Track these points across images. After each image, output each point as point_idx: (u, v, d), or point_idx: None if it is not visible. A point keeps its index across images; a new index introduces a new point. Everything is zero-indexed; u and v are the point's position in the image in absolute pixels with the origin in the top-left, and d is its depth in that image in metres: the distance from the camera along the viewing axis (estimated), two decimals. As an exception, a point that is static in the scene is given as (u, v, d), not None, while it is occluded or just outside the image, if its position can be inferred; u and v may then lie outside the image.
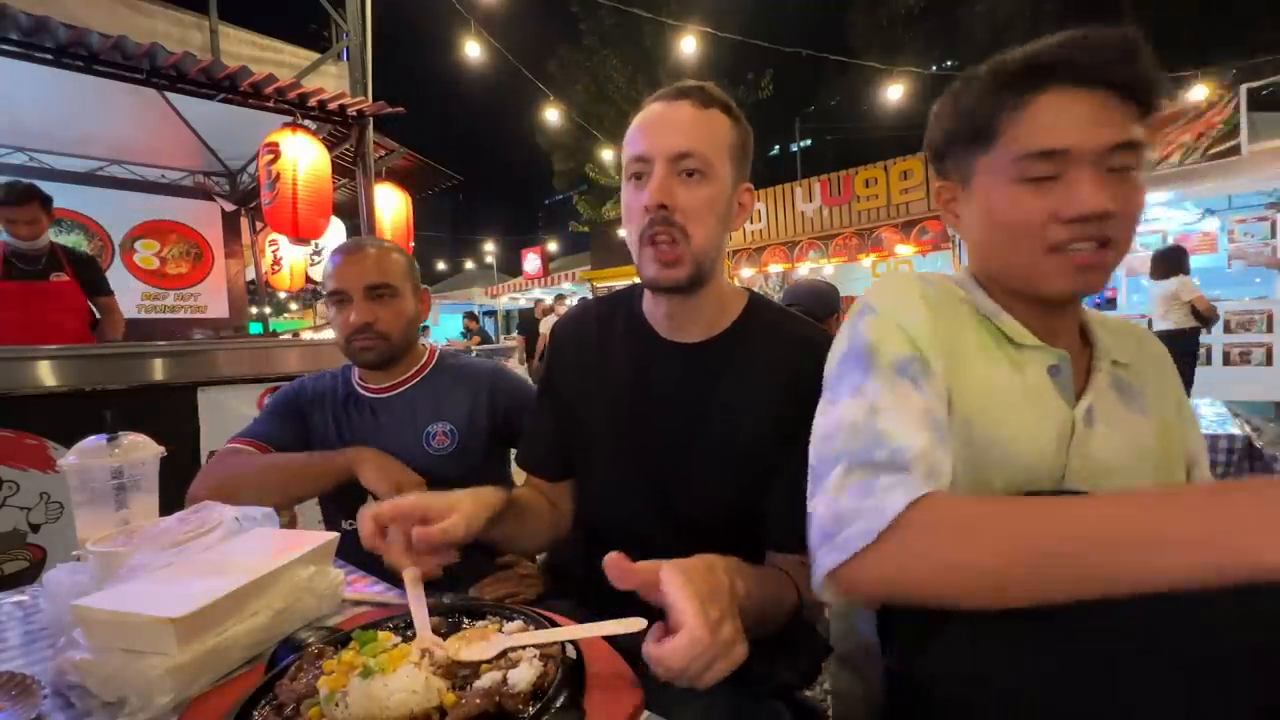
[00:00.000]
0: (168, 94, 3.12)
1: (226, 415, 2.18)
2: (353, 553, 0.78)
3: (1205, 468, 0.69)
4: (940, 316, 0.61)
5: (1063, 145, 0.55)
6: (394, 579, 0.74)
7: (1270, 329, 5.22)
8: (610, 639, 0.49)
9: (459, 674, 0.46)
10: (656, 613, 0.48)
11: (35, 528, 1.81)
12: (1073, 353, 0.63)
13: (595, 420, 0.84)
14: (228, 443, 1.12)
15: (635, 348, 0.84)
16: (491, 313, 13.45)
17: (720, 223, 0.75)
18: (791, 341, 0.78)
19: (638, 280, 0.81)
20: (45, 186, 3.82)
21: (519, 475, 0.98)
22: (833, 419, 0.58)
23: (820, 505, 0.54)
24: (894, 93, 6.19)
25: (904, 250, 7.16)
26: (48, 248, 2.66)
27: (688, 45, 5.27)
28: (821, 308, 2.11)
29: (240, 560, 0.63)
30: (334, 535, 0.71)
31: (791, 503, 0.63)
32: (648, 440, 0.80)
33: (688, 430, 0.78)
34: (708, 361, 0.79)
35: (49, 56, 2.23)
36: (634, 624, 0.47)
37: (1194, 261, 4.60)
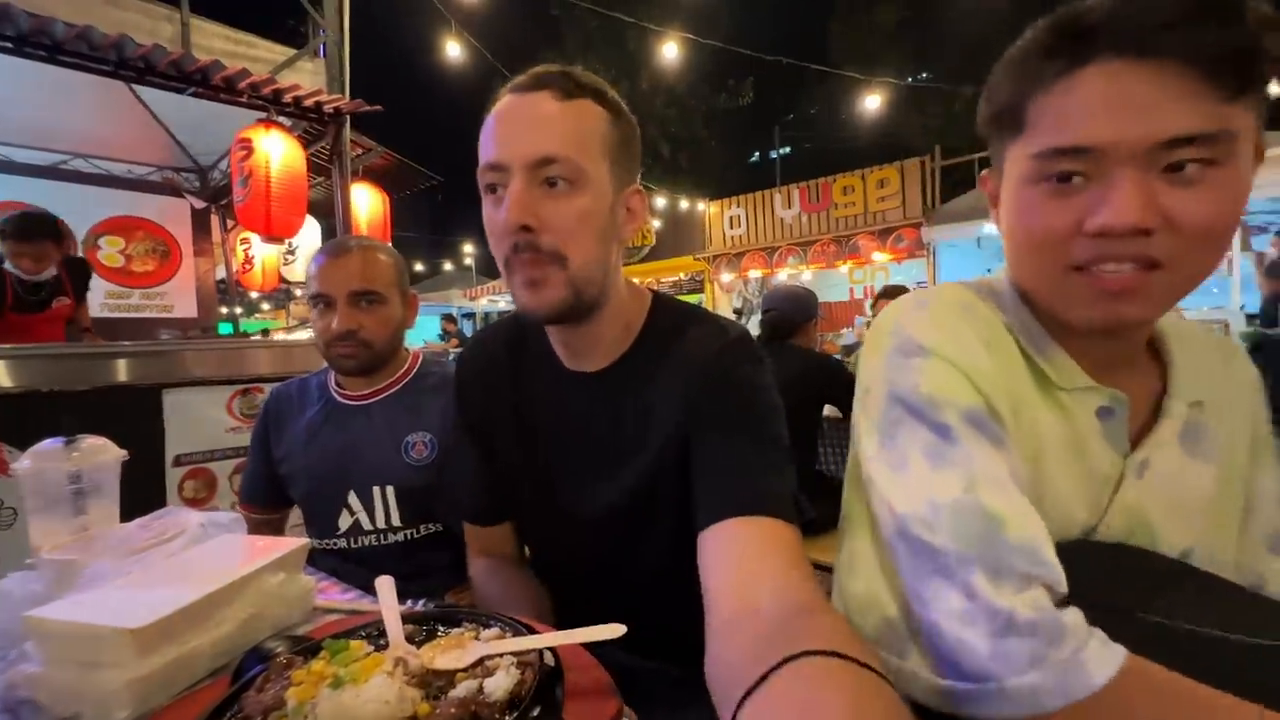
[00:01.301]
0: (136, 87, 3.02)
1: (193, 418, 2.12)
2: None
3: (1270, 513, 0.57)
4: (996, 354, 0.52)
5: (1090, 142, 0.43)
6: (366, 586, 0.73)
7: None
8: (589, 646, 0.48)
9: (434, 684, 0.44)
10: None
11: (-14, 534, 1.73)
12: (1138, 388, 0.53)
13: (514, 459, 0.76)
14: (239, 508, 1.16)
15: (543, 378, 0.74)
16: (470, 315, 13.32)
17: (601, 238, 0.62)
18: (692, 345, 0.68)
19: None
20: (4, 179, 3.70)
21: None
22: (920, 493, 0.48)
23: (957, 624, 0.44)
24: (872, 102, 6.31)
25: (880, 257, 7.29)
26: (54, 274, 2.61)
27: (669, 50, 5.29)
28: (799, 313, 2.15)
29: (205, 568, 0.61)
30: (305, 541, 0.69)
31: (721, 477, 0.59)
32: (566, 480, 0.73)
33: (604, 467, 0.70)
34: (610, 390, 0.70)
35: (9, 45, 2.15)
36: (614, 630, 0.46)
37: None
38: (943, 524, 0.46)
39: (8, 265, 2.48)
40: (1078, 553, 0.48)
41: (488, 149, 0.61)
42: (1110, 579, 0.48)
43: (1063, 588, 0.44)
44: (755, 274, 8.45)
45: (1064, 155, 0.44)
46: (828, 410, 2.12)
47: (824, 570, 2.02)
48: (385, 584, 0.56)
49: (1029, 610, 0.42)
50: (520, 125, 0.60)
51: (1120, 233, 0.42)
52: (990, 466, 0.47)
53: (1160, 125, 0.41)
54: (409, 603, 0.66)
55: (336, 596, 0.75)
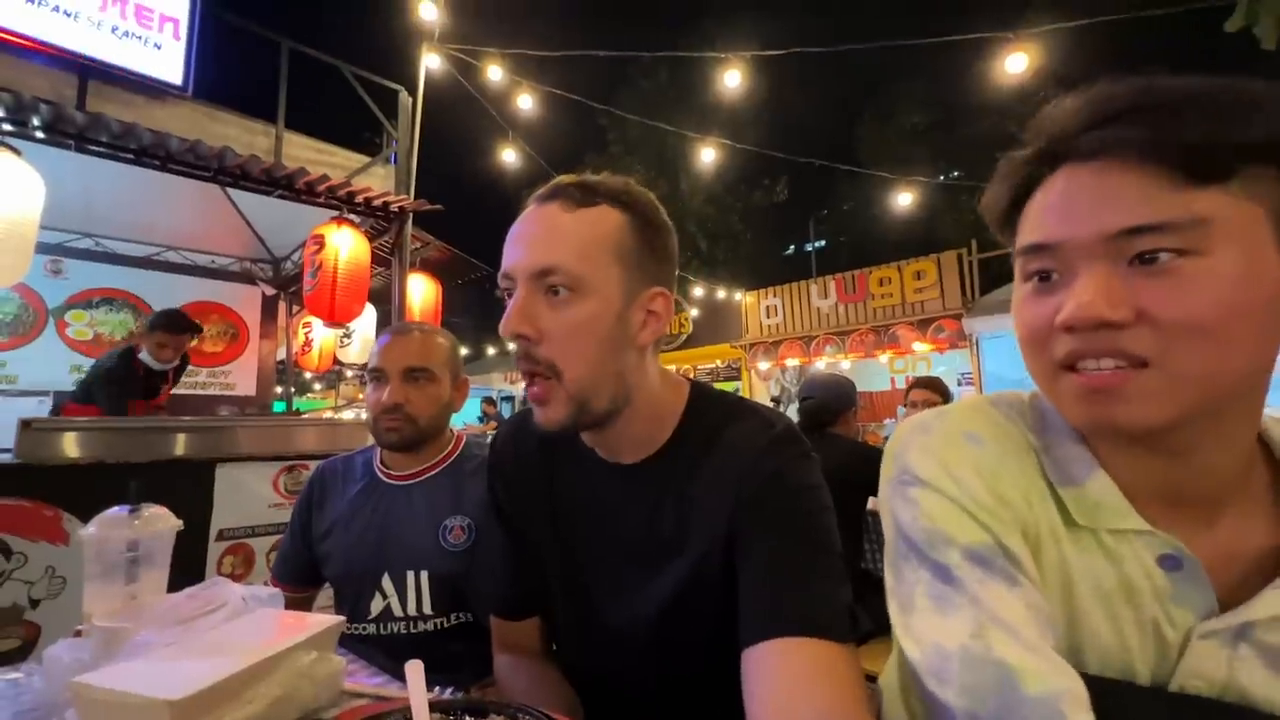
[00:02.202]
0: (229, 190, 3.40)
1: (241, 493, 2.19)
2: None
3: None
4: (1008, 484, 0.47)
5: (1047, 239, 0.43)
6: (395, 671, 0.71)
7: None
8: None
9: (458, 777, 0.43)
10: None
11: (35, 603, 1.77)
12: (1235, 530, 0.44)
13: (544, 550, 0.74)
14: (272, 583, 1.18)
15: (577, 469, 0.72)
16: (510, 398, 13.58)
17: (607, 346, 0.60)
18: (737, 438, 0.65)
19: None
20: (105, 269, 4.13)
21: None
22: (927, 639, 0.43)
23: None
24: (904, 199, 6.50)
25: (921, 348, 7.20)
26: (174, 365, 2.97)
27: (706, 154, 5.66)
28: (839, 401, 2.11)
29: (242, 641, 0.61)
30: (339, 619, 0.69)
31: (770, 589, 0.56)
32: (598, 576, 0.70)
33: (639, 566, 0.67)
34: (648, 484, 0.67)
35: (130, 156, 2.47)
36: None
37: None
38: (952, 676, 0.41)
39: (144, 355, 2.82)
40: (1134, 697, 0.42)
41: (504, 258, 0.62)
42: None
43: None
44: (792, 362, 8.43)
45: (1031, 253, 0.44)
46: (871, 503, 2.03)
47: (872, 679, 1.84)
48: (415, 669, 0.55)
49: None
50: (528, 236, 0.61)
51: (1084, 326, 0.40)
52: (1001, 609, 0.42)
53: (1111, 218, 0.40)
54: (437, 690, 0.64)
55: (365, 680, 0.73)
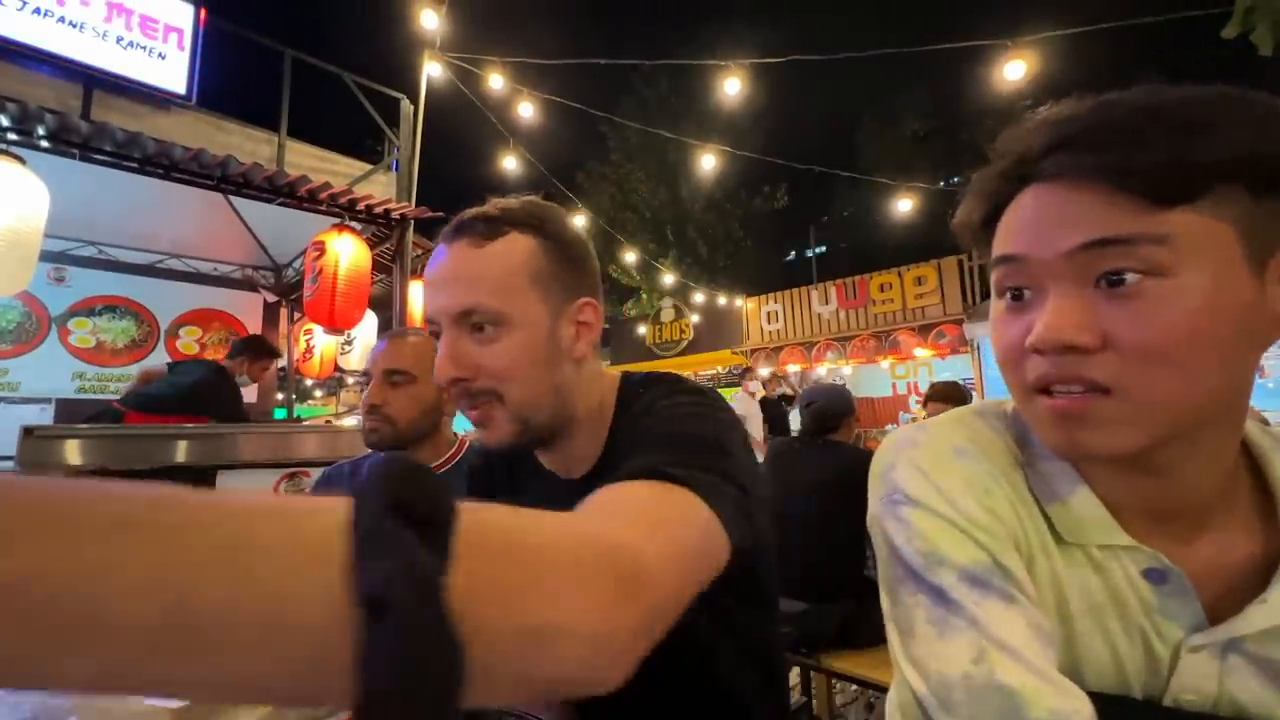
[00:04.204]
0: (232, 198, 3.42)
1: (242, 499, 2.18)
2: None
3: None
4: (998, 499, 0.46)
5: (1014, 250, 0.42)
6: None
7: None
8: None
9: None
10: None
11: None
12: (1213, 545, 0.44)
13: None
14: None
15: (540, 485, 0.73)
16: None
17: (542, 366, 0.61)
18: (658, 420, 0.60)
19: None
20: (108, 276, 4.14)
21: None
22: (930, 666, 0.42)
23: None
24: (904, 205, 6.52)
25: (922, 353, 7.20)
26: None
27: (706, 161, 5.68)
28: (840, 404, 2.16)
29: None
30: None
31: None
32: None
33: None
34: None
35: (134, 165, 2.49)
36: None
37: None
38: (957, 706, 0.40)
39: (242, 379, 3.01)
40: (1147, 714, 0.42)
41: (425, 302, 0.62)
42: None
43: None
44: (794, 368, 8.44)
45: (1003, 264, 0.43)
46: (873, 510, 2.02)
47: (874, 687, 1.84)
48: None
49: None
50: (441, 279, 0.61)
51: (1050, 349, 0.39)
52: (1001, 631, 0.41)
53: (1074, 232, 0.39)
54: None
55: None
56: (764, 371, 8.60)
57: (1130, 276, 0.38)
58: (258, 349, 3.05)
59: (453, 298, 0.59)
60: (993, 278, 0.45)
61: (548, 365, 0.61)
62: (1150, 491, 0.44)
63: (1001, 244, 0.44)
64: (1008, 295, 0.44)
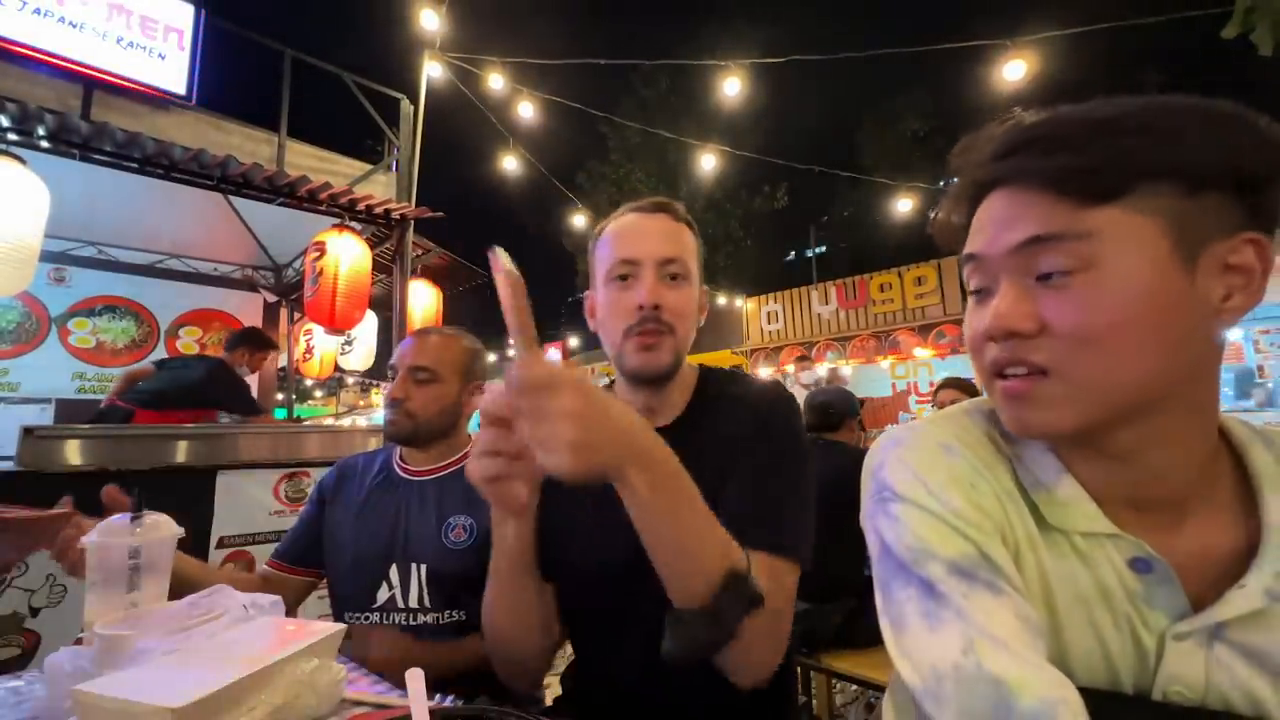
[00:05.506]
0: (232, 198, 3.42)
1: (242, 500, 2.18)
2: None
3: None
4: (984, 492, 0.48)
5: (975, 249, 0.47)
6: (396, 679, 0.71)
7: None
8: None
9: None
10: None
11: (35, 611, 1.77)
12: (1195, 534, 0.45)
13: (578, 509, 0.80)
14: (266, 563, 1.20)
15: None
16: (510, 404, 13.63)
17: (694, 320, 0.84)
18: (742, 395, 0.84)
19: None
20: (108, 276, 4.14)
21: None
22: (922, 659, 0.43)
23: None
24: (904, 205, 6.51)
25: (923, 353, 7.19)
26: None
27: (707, 161, 5.68)
28: (842, 403, 2.19)
29: (244, 649, 0.61)
30: (341, 627, 0.69)
31: (749, 502, 0.71)
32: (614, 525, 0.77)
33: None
34: (675, 441, 0.72)
35: (135, 165, 2.49)
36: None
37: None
38: (948, 697, 0.41)
39: (243, 370, 3.04)
40: (1136, 709, 0.43)
41: (622, 249, 0.81)
42: None
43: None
44: (792, 368, 8.43)
45: (966, 263, 0.48)
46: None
47: (874, 687, 1.84)
48: (416, 677, 0.55)
49: None
50: (650, 235, 0.81)
51: (998, 335, 0.44)
52: (989, 622, 0.42)
53: (1017, 231, 0.44)
54: (438, 698, 0.64)
55: (365, 688, 0.73)
56: (764, 372, 8.60)
57: (1060, 270, 0.42)
58: (256, 340, 3.04)
59: (662, 248, 0.81)
60: (963, 275, 0.50)
61: (695, 320, 0.85)
62: (1125, 479, 0.46)
63: (968, 244, 0.48)
64: (975, 293, 0.48)
